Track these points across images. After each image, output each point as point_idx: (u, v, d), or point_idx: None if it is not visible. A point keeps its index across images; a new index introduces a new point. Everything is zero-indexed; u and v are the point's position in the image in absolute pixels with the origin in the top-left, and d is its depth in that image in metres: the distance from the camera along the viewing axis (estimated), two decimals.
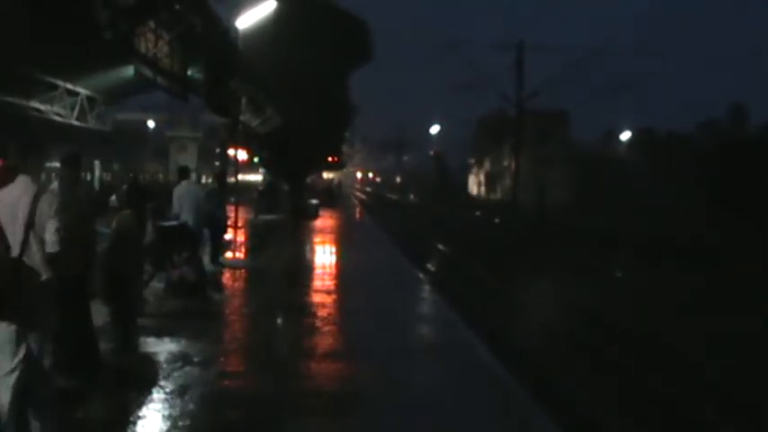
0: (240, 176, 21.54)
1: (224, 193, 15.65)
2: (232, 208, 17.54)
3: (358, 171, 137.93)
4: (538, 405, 6.41)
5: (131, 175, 23.26)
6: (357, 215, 41.71)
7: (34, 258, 4.43)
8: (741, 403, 8.33)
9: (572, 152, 61.25)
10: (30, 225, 4.41)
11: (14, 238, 4.33)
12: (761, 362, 9.96)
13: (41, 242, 4.47)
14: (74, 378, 5.90)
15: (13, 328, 4.34)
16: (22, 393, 4.40)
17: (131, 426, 5.40)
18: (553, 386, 8.44)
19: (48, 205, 4.52)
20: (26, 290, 4.29)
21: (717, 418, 7.76)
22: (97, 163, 43.62)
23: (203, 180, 52.58)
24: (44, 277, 4.47)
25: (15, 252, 4.35)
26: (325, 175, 62.40)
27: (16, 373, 4.37)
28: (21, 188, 4.50)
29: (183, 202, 11.97)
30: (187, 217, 11.84)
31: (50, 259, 4.52)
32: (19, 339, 4.37)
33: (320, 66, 26.86)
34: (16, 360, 4.36)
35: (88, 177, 42.06)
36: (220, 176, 17.21)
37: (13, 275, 4.24)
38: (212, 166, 55.26)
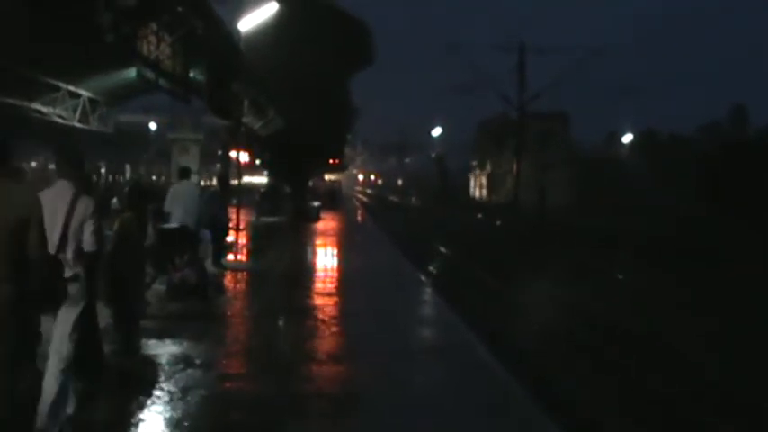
0: (247, 179, 21.55)
1: (226, 194, 15.67)
2: (234, 210, 17.57)
3: (360, 173, 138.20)
4: (538, 405, 6.43)
5: (152, 177, 23.31)
6: (359, 217, 41.73)
7: (68, 255, 4.90)
8: (741, 403, 8.34)
9: (573, 153, 61.26)
10: (67, 225, 4.90)
11: (52, 235, 4.65)
12: (761, 362, 9.99)
13: (75, 241, 4.95)
14: (77, 379, 5.93)
15: (51, 317, 4.83)
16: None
17: (133, 427, 5.44)
18: (553, 386, 8.46)
19: (84, 207, 5.02)
20: (60, 283, 4.71)
21: (717, 419, 7.77)
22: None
23: (208, 182, 52.65)
24: (73, 272, 4.91)
25: (52, 249, 4.68)
26: (327, 177, 62.39)
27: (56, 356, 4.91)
28: (59, 191, 5.00)
29: (178, 201, 11.83)
30: (180, 217, 11.70)
31: (88, 257, 5.05)
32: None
33: (322, 68, 26.86)
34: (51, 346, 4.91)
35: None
36: (222, 178, 17.23)
37: (51, 271, 4.53)
38: (213, 168, 55.33)
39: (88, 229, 5.03)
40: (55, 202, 4.85)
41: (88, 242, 5.04)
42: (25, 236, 3.94)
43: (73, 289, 4.90)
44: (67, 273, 4.86)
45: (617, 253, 22.42)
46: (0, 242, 3.80)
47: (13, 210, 3.91)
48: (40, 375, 4.87)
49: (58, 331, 4.92)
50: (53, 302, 4.68)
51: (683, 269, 19.06)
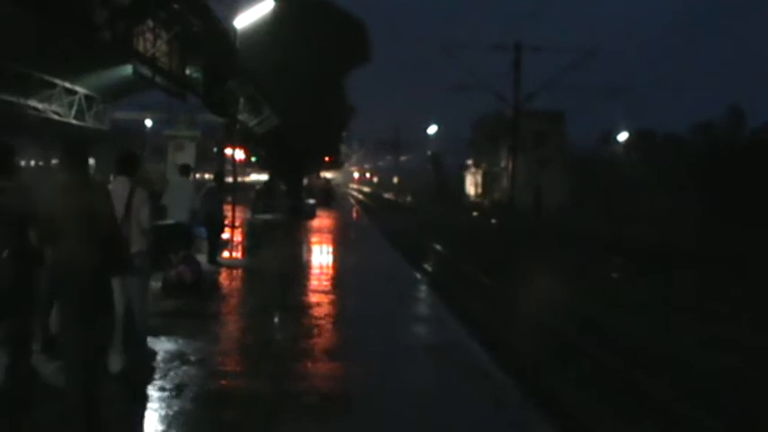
0: (254, 176, 21.52)
1: (222, 192, 15.68)
2: (229, 207, 17.58)
3: (356, 171, 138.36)
4: (533, 404, 6.48)
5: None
6: (354, 215, 41.72)
7: (130, 233, 6.41)
8: (740, 405, 8.38)
9: (573, 150, 61.39)
10: (128, 209, 6.49)
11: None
12: (757, 365, 10.05)
13: (135, 222, 6.57)
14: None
15: (118, 279, 6.18)
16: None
17: (128, 424, 5.45)
18: (552, 388, 8.52)
19: (140, 197, 6.67)
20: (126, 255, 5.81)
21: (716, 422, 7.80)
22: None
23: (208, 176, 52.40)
24: (136, 248, 6.50)
25: None
26: (323, 174, 62.35)
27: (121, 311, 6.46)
28: (120, 186, 6.64)
29: (174, 196, 12.01)
30: (175, 213, 11.81)
31: (146, 234, 6.73)
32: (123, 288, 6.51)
33: (318, 66, 26.85)
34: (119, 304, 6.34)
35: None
36: (218, 175, 17.23)
37: (120, 246, 5.54)
38: (210, 165, 55.11)
39: (144, 213, 6.68)
40: (117, 193, 6.30)
41: (145, 222, 6.69)
42: (101, 221, 5.06)
43: (138, 262, 6.45)
44: (133, 249, 6.31)
45: (613, 255, 22.55)
46: (88, 225, 4.91)
47: (94, 202, 5.07)
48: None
49: (134, 295, 6.74)
50: (122, 269, 5.75)
51: (680, 269, 19.18)
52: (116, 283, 6.09)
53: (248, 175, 58.29)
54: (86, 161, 5.36)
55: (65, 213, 4.87)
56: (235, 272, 14.13)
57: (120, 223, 5.97)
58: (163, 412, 5.70)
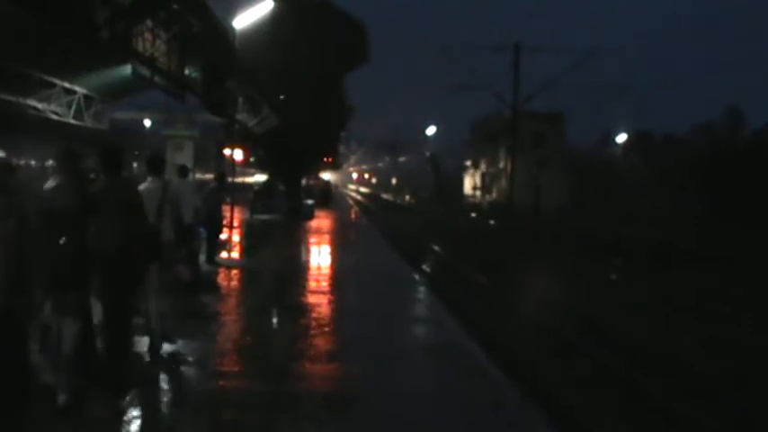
0: (258, 176, 21.48)
1: (222, 192, 15.65)
2: (228, 208, 17.53)
3: (354, 171, 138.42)
4: (532, 404, 6.47)
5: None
6: (352, 216, 41.69)
7: (163, 229, 7.19)
8: (740, 405, 8.37)
9: (572, 151, 61.37)
10: (161, 207, 7.22)
11: (150, 215, 6.85)
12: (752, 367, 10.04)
13: (168, 219, 7.35)
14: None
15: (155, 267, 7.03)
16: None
17: (125, 425, 5.43)
18: (551, 388, 8.51)
19: (172, 195, 7.57)
20: (158, 246, 6.89)
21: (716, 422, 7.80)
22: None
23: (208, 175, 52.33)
24: (167, 239, 7.25)
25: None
26: (322, 175, 62.28)
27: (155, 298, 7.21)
28: (152, 185, 7.32)
29: (177, 199, 12.02)
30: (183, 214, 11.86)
31: (176, 228, 7.73)
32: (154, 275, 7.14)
33: (317, 66, 26.86)
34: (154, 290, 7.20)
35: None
36: (220, 176, 17.19)
37: (153, 237, 6.77)
38: (209, 165, 55.10)
39: (174, 210, 7.72)
40: (150, 192, 7.09)
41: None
42: (132, 213, 6.09)
43: (168, 251, 7.34)
44: (164, 238, 7.10)
45: (615, 255, 22.55)
46: (120, 215, 5.87)
47: (126, 197, 6.12)
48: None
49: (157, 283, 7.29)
50: (155, 258, 6.80)
51: (680, 269, 19.20)
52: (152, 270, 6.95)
53: (252, 175, 58.17)
54: (122, 165, 6.31)
55: (106, 209, 5.84)
56: (233, 272, 14.10)
57: (155, 217, 6.99)
58: (160, 413, 5.67)
